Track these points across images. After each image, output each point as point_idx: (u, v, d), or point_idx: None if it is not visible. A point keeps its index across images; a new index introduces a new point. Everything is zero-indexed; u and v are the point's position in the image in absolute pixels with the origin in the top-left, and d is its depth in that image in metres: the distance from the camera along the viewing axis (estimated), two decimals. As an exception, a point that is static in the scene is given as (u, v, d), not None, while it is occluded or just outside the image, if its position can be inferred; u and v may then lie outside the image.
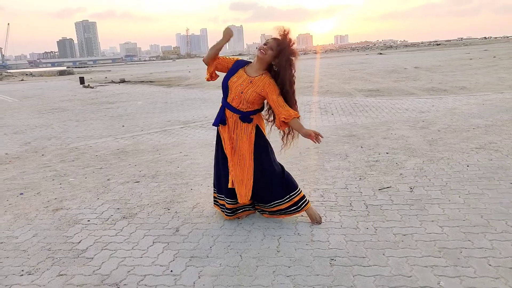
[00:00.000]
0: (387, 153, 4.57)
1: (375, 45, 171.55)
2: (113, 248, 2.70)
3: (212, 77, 2.95)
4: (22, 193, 3.94)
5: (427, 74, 14.29)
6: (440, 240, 2.52)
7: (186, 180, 4.06)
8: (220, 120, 2.83)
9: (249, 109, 2.76)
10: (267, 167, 2.86)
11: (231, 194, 2.91)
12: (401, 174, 3.83)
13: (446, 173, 3.74)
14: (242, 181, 2.84)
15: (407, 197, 3.26)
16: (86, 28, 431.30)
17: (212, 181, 3.19)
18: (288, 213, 2.91)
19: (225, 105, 2.82)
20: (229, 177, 2.87)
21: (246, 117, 2.77)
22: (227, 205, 2.96)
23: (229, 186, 2.86)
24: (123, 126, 7.55)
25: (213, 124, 2.90)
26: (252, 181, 2.84)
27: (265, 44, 2.70)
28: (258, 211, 3.10)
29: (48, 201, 3.68)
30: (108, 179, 4.24)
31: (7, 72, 41.47)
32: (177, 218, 3.14)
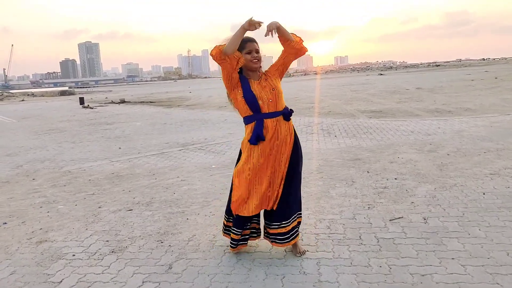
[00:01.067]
0: (395, 178, 4.31)
1: (374, 65, 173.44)
2: (97, 289, 2.42)
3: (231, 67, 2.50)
4: (5, 223, 3.68)
5: (430, 95, 14.16)
6: (464, 282, 2.24)
7: (182, 208, 3.79)
8: (258, 136, 2.52)
9: (283, 103, 2.60)
10: (297, 177, 2.66)
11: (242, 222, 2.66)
12: (412, 202, 3.57)
13: (461, 202, 3.48)
14: (274, 191, 2.60)
15: (422, 229, 2.99)
16: (89, 49, 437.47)
17: (226, 208, 2.83)
18: (282, 242, 2.64)
19: (263, 117, 2.53)
20: (253, 201, 2.59)
21: (287, 112, 2.60)
22: (234, 236, 2.70)
23: (252, 212, 2.60)
24: (119, 148, 7.32)
25: (252, 143, 2.53)
26: (281, 189, 2.60)
27: (249, 53, 2.52)
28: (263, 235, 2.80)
29: (33, 232, 3.41)
30: (99, 207, 3.98)
31: (8, 92, 41.57)
32: (171, 252, 2.86)
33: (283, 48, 2.59)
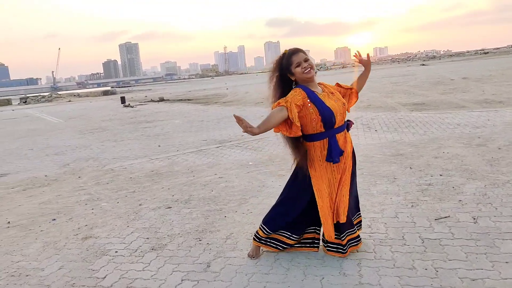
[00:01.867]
0: (440, 175, 4.10)
1: (416, 56, 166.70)
2: (139, 286, 2.48)
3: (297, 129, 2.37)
4: (54, 219, 3.86)
5: (478, 85, 13.37)
6: (520, 288, 2.08)
7: (220, 206, 3.81)
8: (341, 153, 2.44)
9: None
10: (355, 182, 2.68)
11: (300, 228, 2.65)
12: (460, 200, 3.37)
13: (515, 200, 3.24)
14: (337, 202, 2.53)
15: (471, 229, 2.81)
16: (129, 50, 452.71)
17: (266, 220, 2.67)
18: (357, 243, 2.65)
19: (335, 132, 2.42)
20: (329, 212, 2.52)
21: (350, 124, 2.59)
22: (287, 241, 2.65)
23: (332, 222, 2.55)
24: (159, 146, 7.51)
25: (334, 162, 2.42)
26: (347, 197, 2.53)
27: (298, 66, 2.39)
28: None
29: (79, 228, 3.56)
30: (140, 204, 4.09)
31: (56, 93, 44.45)
32: (209, 251, 2.87)
33: (349, 92, 2.70)
